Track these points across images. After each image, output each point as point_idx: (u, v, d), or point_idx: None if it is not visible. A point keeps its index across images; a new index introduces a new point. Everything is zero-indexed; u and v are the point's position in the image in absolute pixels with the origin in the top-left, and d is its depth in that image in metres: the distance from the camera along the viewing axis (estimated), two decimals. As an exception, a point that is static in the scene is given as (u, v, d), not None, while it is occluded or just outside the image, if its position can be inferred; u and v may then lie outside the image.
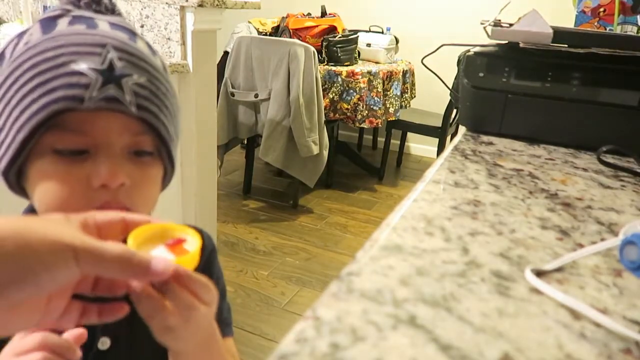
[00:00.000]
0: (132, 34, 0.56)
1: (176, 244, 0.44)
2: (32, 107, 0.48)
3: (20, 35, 0.54)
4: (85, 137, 0.50)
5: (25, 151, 0.49)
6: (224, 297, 0.72)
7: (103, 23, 0.54)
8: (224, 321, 0.70)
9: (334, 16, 3.10)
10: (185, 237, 0.45)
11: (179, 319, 0.43)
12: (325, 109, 2.74)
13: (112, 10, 0.58)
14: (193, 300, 0.44)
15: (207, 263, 0.69)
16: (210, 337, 0.53)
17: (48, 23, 0.54)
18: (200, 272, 0.63)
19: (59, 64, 0.48)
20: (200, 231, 0.69)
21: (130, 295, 0.42)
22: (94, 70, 0.49)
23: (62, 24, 0.53)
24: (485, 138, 0.79)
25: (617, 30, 1.06)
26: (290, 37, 2.90)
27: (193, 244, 0.44)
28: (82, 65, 0.48)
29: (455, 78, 1.74)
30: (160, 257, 0.39)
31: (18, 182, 0.53)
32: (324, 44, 2.90)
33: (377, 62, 3.12)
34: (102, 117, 0.50)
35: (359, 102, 2.80)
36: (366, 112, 2.83)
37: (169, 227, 0.45)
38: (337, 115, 2.84)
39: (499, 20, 0.87)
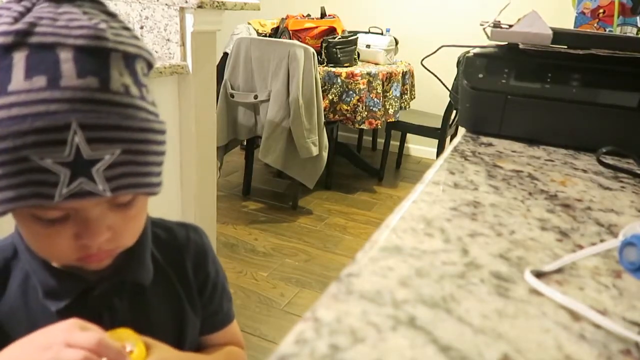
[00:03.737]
0: (103, 59, 0.47)
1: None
2: (5, 193, 0.46)
3: None
4: (63, 211, 0.49)
5: (3, 215, 0.48)
6: (224, 289, 0.74)
7: (67, 62, 0.45)
8: (225, 312, 0.74)
9: (334, 17, 3.10)
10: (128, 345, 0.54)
11: None
12: (324, 110, 2.74)
13: None
14: None
15: (197, 258, 0.70)
16: None
17: (1, 60, 0.45)
18: (193, 268, 0.69)
19: (22, 157, 0.44)
20: (186, 226, 0.70)
21: None
22: (60, 164, 0.45)
23: (18, 72, 0.45)
24: (484, 139, 0.79)
25: (617, 31, 1.06)
26: (290, 38, 2.89)
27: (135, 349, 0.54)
28: (47, 161, 0.44)
29: (455, 79, 1.74)
30: None
31: None
32: (324, 45, 2.90)
33: (376, 64, 3.12)
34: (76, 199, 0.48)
35: (359, 103, 2.80)
36: (366, 113, 2.83)
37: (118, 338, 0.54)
38: (336, 116, 2.84)
39: (499, 22, 0.87)
